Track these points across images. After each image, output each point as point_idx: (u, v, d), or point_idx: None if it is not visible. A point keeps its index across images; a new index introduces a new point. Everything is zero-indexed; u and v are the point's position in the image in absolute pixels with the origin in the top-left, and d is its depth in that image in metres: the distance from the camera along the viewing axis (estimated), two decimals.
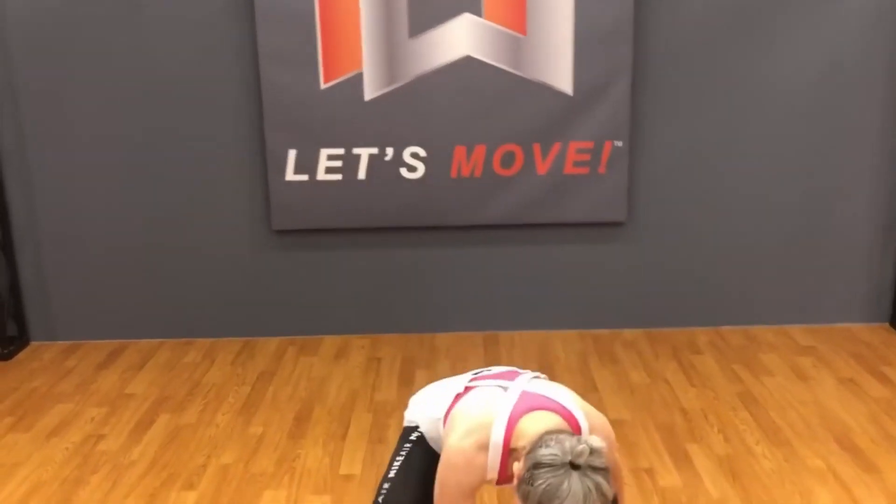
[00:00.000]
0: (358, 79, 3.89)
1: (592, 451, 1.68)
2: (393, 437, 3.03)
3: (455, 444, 1.88)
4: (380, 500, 2.09)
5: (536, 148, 3.98)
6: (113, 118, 3.99)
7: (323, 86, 3.90)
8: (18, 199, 4.10)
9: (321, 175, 4.01)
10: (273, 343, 4.20)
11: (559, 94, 3.91)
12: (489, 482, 1.91)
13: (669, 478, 2.92)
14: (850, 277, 4.23)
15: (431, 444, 2.13)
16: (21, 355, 4.14)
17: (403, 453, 2.15)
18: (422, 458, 2.13)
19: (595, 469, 1.66)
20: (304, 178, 4.01)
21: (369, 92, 3.91)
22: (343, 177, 4.01)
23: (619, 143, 3.98)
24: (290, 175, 4.01)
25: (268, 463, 3.09)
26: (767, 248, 4.17)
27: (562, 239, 4.16)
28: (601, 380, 3.73)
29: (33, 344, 4.26)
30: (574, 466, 1.65)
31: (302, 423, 3.39)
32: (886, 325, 4.27)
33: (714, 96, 3.97)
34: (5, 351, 4.09)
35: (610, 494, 1.69)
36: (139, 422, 3.43)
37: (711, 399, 3.52)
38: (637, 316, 4.25)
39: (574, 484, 1.65)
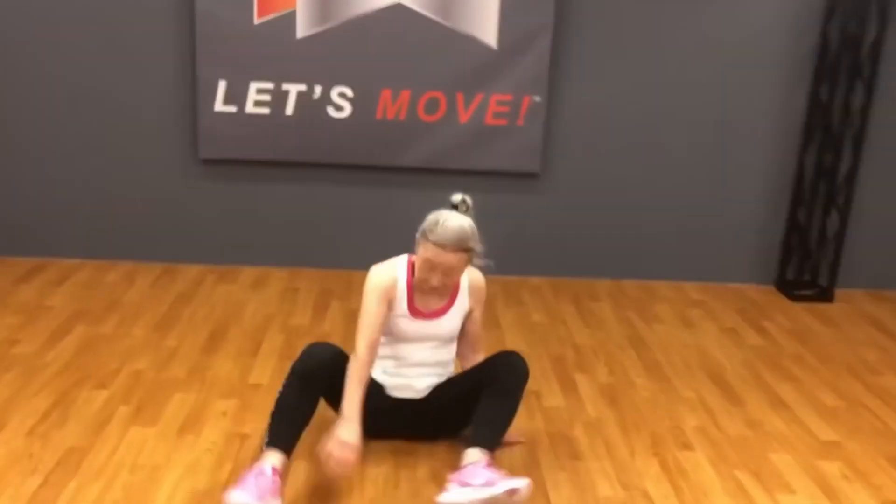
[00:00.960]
0: (291, 17, 4.01)
1: (465, 201, 2.58)
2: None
3: (372, 268, 2.61)
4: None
5: (459, 97, 4.17)
6: (51, 44, 4.03)
7: (256, 21, 4.01)
8: None
9: (250, 108, 4.13)
10: (193, 270, 4.33)
11: (484, 47, 4.10)
12: (397, 299, 2.57)
13: (554, 400, 3.18)
14: (743, 239, 4.56)
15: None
16: None
17: None
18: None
19: (467, 210, 2.57)
20: (233, 109, 4.13)
21: (301, 30, 4.04)
22: (271, 111, 4.14)
23: (538, 99, 4.20)
24: (220, 106, 4.12)
25: (180, 371, 3.23)
26: (669, 208, 4.47)
27: (478, 187, 4.32)
28: (504, 318, 3.97)
29: None
30: (452, 206, 2.56)
31: (216, 339, 3.54)
32: (772, 286, 4.62)
33: (629, 57, 4.22)
34: None
35: (476, 240, 2.51)
36: (55, 330, 3.53)
37: (603, 339, 3.79)
38: (544, 264, 4.51)
39: (452, 214, 2.51)
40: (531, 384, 3.26)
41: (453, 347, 2.77)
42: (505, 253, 4.54)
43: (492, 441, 2.54)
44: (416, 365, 2.70)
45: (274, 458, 2.37)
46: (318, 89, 4.13)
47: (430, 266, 2.50)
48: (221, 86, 4.09)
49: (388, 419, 2.70)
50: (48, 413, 2.86)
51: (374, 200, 4.37)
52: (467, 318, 2.74)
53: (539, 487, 2.54)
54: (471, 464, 2.43)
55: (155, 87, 4.14)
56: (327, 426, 2.45)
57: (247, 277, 4.28)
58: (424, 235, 2.49)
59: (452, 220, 2.49)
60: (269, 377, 3.21)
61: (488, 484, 2.32)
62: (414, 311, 2.63)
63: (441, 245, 2.46)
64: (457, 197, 2.59)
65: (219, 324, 3.70)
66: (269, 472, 2.32)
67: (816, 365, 3.63)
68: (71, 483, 2.46)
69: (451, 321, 2.69)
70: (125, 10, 4.01)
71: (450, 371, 2.77)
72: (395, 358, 2.70)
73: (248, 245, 4.40)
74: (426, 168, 4.29)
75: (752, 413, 3.17)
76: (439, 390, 2.72)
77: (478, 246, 2.55)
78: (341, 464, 2.36)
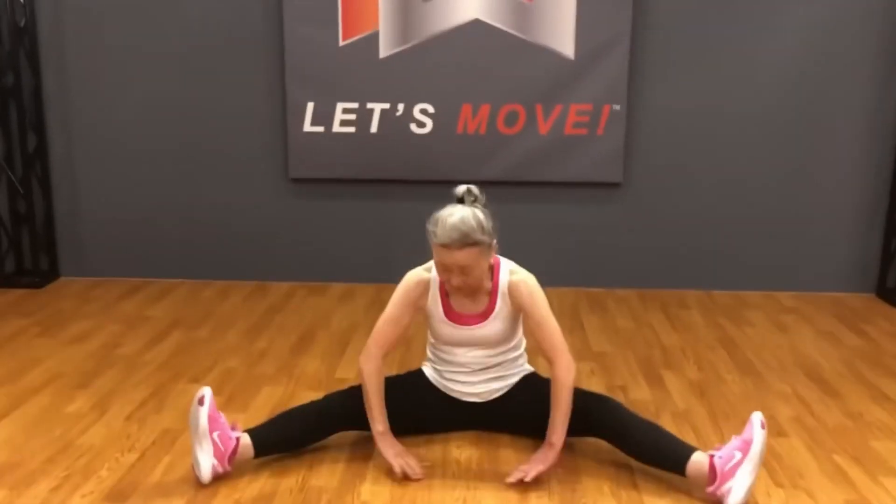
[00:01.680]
0: (374, 37, 4.19)
1: (471, 191, 2.46)
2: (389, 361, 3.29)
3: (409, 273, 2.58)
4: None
5: (538, 108, 4.23)
6: (150, 72, 4.32)
7: (341, 43, 4.20)
8: (58, 139, 4.44)
9: (336, 127, 4.30)
10: (284, 286, 4.47)
11: (561, 58, 4.16)
12: (430, 303, 2.54)
13: (641, 393, 3.12)
14: (839, 247, 4.40)
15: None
16: (51, 286, 4.45)
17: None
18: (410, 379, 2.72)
19: (475, 200, 2.45)
20: (321, 129, 4.30)
21: (384, 50, 4.20)
22: (356, 130, 4.29)
23: (617, 107, 4.22)
24: (308, 126, 4.30)
25: (269, 369, 3.33)
26: (758, 215, 4.36)
27: (559, 198, 4.39)
28: (588, 323, 3.93)
29: (62, 279, 4.57)
30: (458, 200, 2.46)
31: (304, 342, 3.64)
32: (873, 294, 4.42)
33: (708, 63, 4.20)
34: (36, 279, 4.41)
35: (484, 230, 2.37)
36: (154, 335, 3.70)
37: (692, 341, 3.70)
38: (630, 276, 4.45)
39: (454, 209, 2.39)
40: (616, 379, 3.25)
41: (510, 349, 2.63)
42: (589, 265, 4.58)
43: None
44: (472, 371, 2.62)
45: (246, 439, 2.45)
46: (400, 107, 4.26)
47: (444, 268, 2.40)
48: (310, 107, 4.27)
49: (452, 418, 2.70)
50: (145, 402, 2.99)
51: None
52: (526, 321, 2.55)
53: (627, 476, 2.48)
54: (700, 463, 2.33)
55: (247, 112, 4.36)
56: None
57: (335, 292, 4.39)
58: (429, 237, 2.39)
59: (453, 216, 2.36)
60: (354, 373, 3.26)
61: (743, 449, 2.27)
62: (452, 316, 2.55)
63: (445, 245, 2.35)
64: (461, 189, 2.47)
65: (307, 329, 3.80)
66: (233, 443, 2.40)
67: None
68: (165, 458, 2.57)
69: (492, 328, 2.54)
70: (217, 39, 4.27)
71: (518, 371, 2.67)
72: (449, 363, 2.64)
73: (337, 261, 4.52)
74: (508, 181, 4.35)
75: (851, 405, 3.03)
76: (506, 398, 2.64)
77: (487, 236, 2.38)
78: (410, 471, 2.44)
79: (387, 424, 2.51)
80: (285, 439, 2.53)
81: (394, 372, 2.85)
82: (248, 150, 4.41)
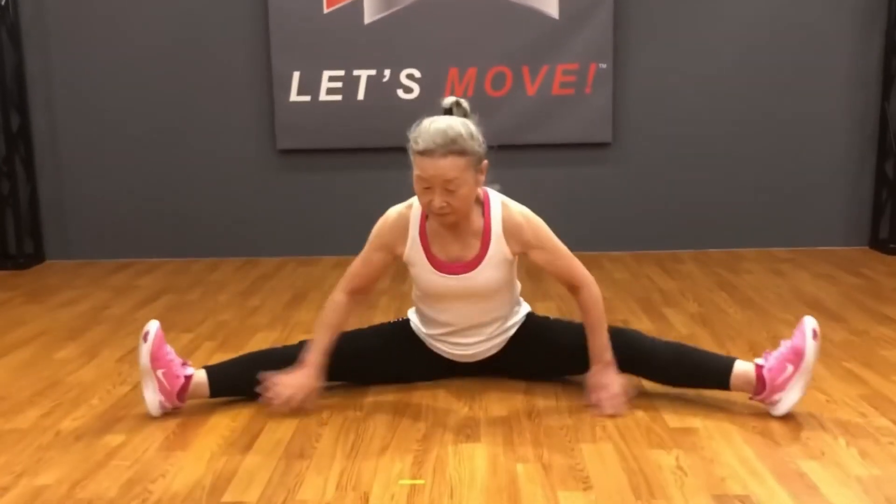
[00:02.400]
0: (359, 3, 4.18)
1: (460, 103, 2.22)
2: (384, 313, 3.27)
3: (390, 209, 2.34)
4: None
5: (525, 70, 4.23)
6: (134, 48, 4.29)
7: (326, 10, 4.19)
8: (42, 124, 4.38)
9: (323, 96, 4.27)
10: (274, 261, 4.40)
11: (546, 18, 4.17)
12: (409, 248, 2.27)
13: (642, 325, 3.06)
14: (830, 201, 4.39)
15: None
16: (37, 267, 4.36)
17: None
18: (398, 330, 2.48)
19: (465, 115, 2.20)
20: (307, 98, 4.27)
21: (369, 16, 4.20)
22: (343, 98, 4.27)
23: (604, 66, 4.22)
24: (294, 96, 4.27)
25: (263, 320, 3.26)
26: (749, 172, 4.36)
27: (549, 161, 4.37)
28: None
29: (48, 262, 4.49)
30: (445, 111, 2.21)
31: (298, 300, 3.57)
32: (866, 247, 4.41)
33: (695, 19, 4.21)
34: (21, 260, 4.32)
35: (474, 140, 2.13)
36: (144, 299, 3.63)
37: (690, 286, 3.66)
38: (623, 237, 4.42)
39: (438, 117, 2.14)
40: (617, 315, 3.19)
41: (505, 303, 2.36)
42: (581, 227, 4.53)
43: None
44: (461, 332, 2.34)
45: (200, 375, 2.28)
46: (387, 73, 4.25)
47: (424, 183, 2.09)
48: (295, 76, 4.25)
49: (439, 373, 2.46)
50: (136, 348, 2.89)
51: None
52: (536, 261, 2.27)
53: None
54: (746, 375, 2.18)
55: (232, 84, 4.33)
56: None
57: (327, 262, 4.33)
58: (410, 150, 2.11)
59: (437, 122, 2.11)
60: (355, 322, 3.19)
61: (794, 361, 2.12)
62: (435, 263, 2.25)
63: (428, 151, 2.06)
64: (448, 100, 2.22)
65: (300, 290, 3.74)
66: (181, 381, 2.24)
67: None
68: None
69: (485, 276, 2.25)
70: (200, 10, 4.25)
71: (515, 323, 2.40)
72: (436, 323, 2.36)
73: (328, 234, 4.46)
74: (497, 145, 4.30)
75: (855, 326, 2.99)
76: (503, 353, 2.40)
77: (477, 146, 2.12)
78: (276, 399, 2.20)
79: (319, 361, 2.24)
80: (246, 382, 2.26)
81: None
82: (234, 123, 4.38)
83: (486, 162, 2.19)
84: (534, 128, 4.29)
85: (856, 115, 4.30)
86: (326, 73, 4.25)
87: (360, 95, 4.27)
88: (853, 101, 4.28)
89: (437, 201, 2.11)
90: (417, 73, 4.25)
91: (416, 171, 2.12)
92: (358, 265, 2.33)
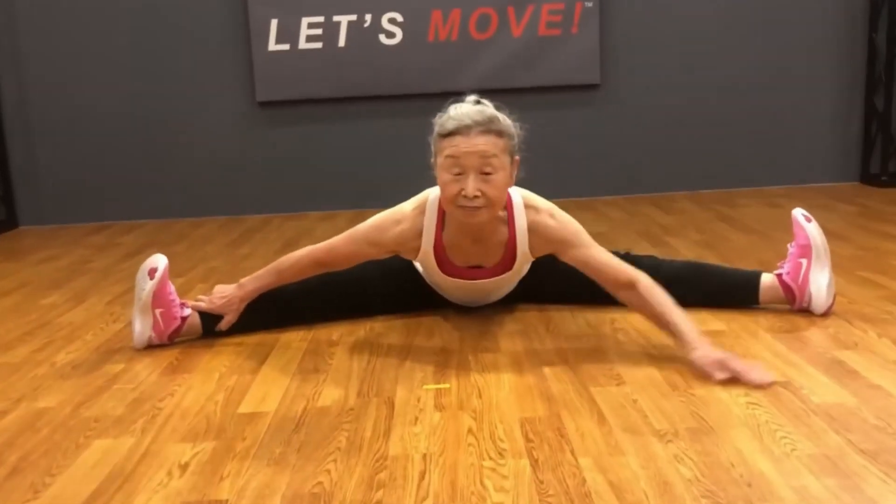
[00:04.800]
0: None
1: (481, 101, 1.98)
2: None
3: (400, 205, 2.09)
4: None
5: (510, 10, 4.13)
6: (100, 2, 4.13)
7: None
8: (10, 86, 4.20)
9: (302, 44, 4.14)
10: (258, 218, 4.27)
11: None
12: (420, 252, 2.06)
13: (646, 252, 2.99)
14: (821, 136, 4.35)
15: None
16: (10, 233, 4.19)
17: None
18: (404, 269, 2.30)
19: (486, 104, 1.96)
20: (286, 47, 4.14)
21: None
22: (323, 45, 4.14)
23: (589, 4, 4.13)
24: (273, 45, 4.14)
25: (255, 265, 3.13)
26: (739, 111, 4.30)
27: (538, 104, 4.28)
28: (578, 217, 3.80)
29: (22, 228, 4.32)
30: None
31: (290, 247, 3.44)
32: (857, 182, 4.38)
33: None
34: None
35: (511, 126, 1.94)
36: (127, 254, 3.49)
37: (689, 220, 3.61)
38: (615, 182, 4.35)
39: (467, 104, 1.94)
40: (618, 245, 3.11)
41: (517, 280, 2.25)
42: (572, 171, 4.46)
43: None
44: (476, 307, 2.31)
45: (194, 319, 2.19)
46: (368, 17, 4.13)
47: (456, 167, 1.85)
48: (273, 24, 4.11)
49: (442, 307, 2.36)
50: (124, 293, 2.78)
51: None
52: (572, 262, 2.03)
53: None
54: (772, 288, 2.18)
55: (207, 34, 4.17)
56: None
57: (314, 217, 4.21)
58: (438, 136, 1.91)
59: (468, 104, 1.94)
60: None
61: (804, 255, 2.14)
62: (450, 270, 2.09)
63: (463, 129, 1.84)
64: (471, 97, 2.01)
65: (290, 240, 3.62)
66: (177, 323, 2.15)
67: None
68: None
69: (508, 279, 2.15)
70: None
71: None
72: (444, 299, 2.30)
73: (312, 189, 4.33)
74: (483, 89, 4.19)
75: (862, 244, 2.95)
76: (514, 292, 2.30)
77: (514, 132, 1.93)
78: (212, 303, 2.19)
79: (252, 288, 2.17)
80: (241, 320, 2.19)
81: None
82: (210, 76, 4.23)
83: (517, 158, 1.97)
84: (521, 70, 4.20)
85: (844, 48, 4.26)
86: (305, 20, 4.12)
87: (341, 42, 4.14)
88: (841, 34, 4.24)
89: (471, 188, 1.84)
90: (399, 17, 4.13)
91: (444, 156, 1.87)
92: (342, 245, 2.10)
